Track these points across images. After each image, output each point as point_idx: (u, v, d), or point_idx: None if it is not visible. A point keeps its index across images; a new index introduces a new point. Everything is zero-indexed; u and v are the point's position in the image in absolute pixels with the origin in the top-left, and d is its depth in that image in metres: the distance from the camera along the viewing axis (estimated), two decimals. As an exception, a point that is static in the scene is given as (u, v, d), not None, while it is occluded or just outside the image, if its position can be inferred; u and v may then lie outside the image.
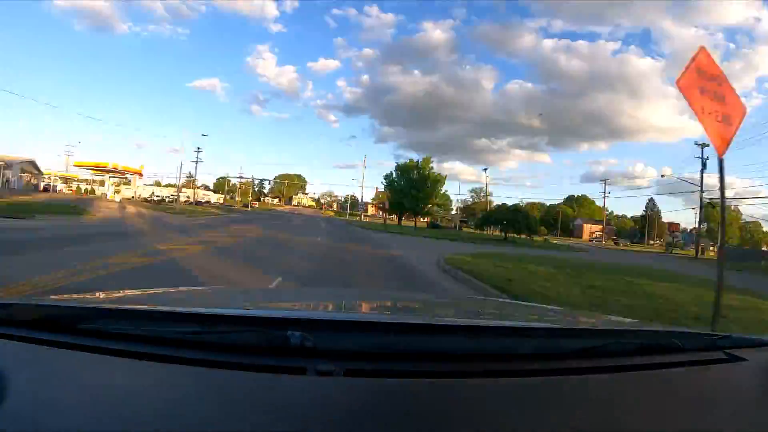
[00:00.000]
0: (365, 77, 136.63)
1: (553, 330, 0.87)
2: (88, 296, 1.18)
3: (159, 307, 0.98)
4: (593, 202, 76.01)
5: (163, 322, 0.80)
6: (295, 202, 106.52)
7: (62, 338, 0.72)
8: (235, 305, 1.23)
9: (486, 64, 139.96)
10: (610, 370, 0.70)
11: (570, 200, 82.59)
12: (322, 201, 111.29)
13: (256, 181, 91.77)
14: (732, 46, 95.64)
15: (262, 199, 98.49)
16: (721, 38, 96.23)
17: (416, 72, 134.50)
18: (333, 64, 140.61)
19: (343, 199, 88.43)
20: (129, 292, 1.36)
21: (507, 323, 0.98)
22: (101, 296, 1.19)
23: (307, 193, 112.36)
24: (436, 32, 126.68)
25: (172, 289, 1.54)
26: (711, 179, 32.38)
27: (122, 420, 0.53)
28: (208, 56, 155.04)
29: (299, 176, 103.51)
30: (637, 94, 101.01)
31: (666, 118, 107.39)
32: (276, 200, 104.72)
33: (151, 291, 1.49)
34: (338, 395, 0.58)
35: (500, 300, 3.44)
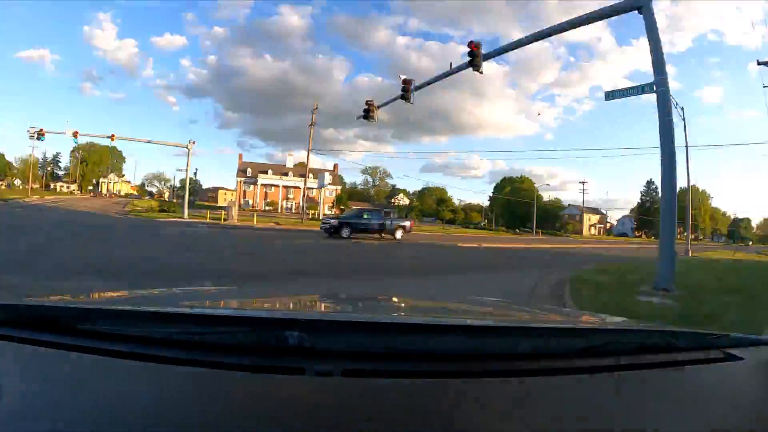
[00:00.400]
0: (212, 58, 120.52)
1: (553, 330, 0.88)
2: (88, 297, 1.19)
3: (158, 308, 0.98)
4: (444, 191, 78.11)
5: (162, 323, 0.80)
6: (106, 190, 76.10)
7: (62, 339, 0.73)
8: (234, 306, 1.23)
9: (339, 54, 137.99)
10: (610, 370, 0.70)
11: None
12: (148, 187, 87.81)
13: (47, 157, 67.03)
14: (572, 59, 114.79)
15: (54, 185, 70.31)
16: (563, 51, 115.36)
17: (268, 57, 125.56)
18: (179, 40, 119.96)
19: (177, 186, 62.58)
20: (129, 293, 1.36)
21: (507, 323, 0.99)
22: (100, 297, 1.20)
23: (123, 176, 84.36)
24: (293, 17, 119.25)
25: (171, 290, 1.54)
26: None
27: (121, 420, 0.53)
28: (40, 21, 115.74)
29: (114, 149, 72.22)
30: (480, 93, 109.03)
31: (504, 117, 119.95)
32: (75, 186, 73.17)
33: (151, 291, 1.50)
34: (337, 395, 0.59)
35: (499, 300, 3.48)
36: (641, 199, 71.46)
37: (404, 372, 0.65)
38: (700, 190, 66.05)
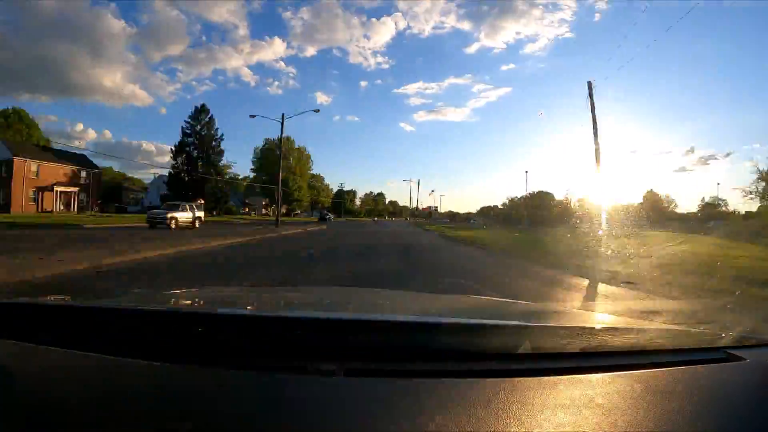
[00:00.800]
0: None
1: (553, 329, 0.88)
2: (88, 296, 1.26)
3: (159, 308, 0.98)
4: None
5: (164, 322, 0.80)
6: None
7: (62, 338, 0.73)
8: (236, 305, 1.22)
9: None
10: (610, 370, 0.70)
11: None
12: None
13: None
14: (204, 38, 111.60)
15: None
16: (197, 29, 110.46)
17: None
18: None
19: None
20: (129, 292, 1.41)
21: (507, 322, 0.99)
22: (101, 297, 1.27)
23: None
24: None
25: (172, 290, 1.55)
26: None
27: (122, 420, 0.53)
28: None
29: None
30: (99, 52, 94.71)
31: (119, 83, 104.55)
32: None
33: (151, 291, 1.52)
34: (339, 395, 0.59)
35: (501, 299, 3.47)
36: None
37: (406, 371, 0.65)
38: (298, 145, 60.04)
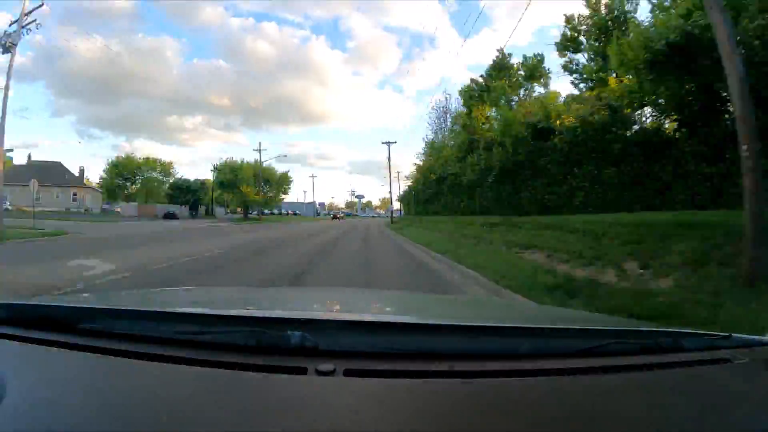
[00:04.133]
0: (38, 37, 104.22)
1: (554, 330, 0.87)
2: (88, 296, 1.26)
3: (159, 308, 0.98)
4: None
5: (163, 322, 0.80)
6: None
7: (62, 338, 0.73)
8: (236, 305, 1.23)
9: (172, 36, 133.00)
10: (610, 370, 0.70)
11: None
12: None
13: None
14: (417, 49, 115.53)
15: None
16: (406, 41, 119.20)
17: (98, 37, 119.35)
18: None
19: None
20: (129, 293, 1.37)
21: (507, 323, 0.99)
22: (101, 296, 1.27)
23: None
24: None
25: (172, 290, 1.54)
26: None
27: (122, 420, 0.53)
28: None
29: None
30: (324, 82, 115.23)
31: (353, 106, 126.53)
32: None
33: (151, 291, 1.48)
34: (338, 395, 0.59)
35: (500, 299, 3.49)
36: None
37: (406, 372, 0.64)
38: None
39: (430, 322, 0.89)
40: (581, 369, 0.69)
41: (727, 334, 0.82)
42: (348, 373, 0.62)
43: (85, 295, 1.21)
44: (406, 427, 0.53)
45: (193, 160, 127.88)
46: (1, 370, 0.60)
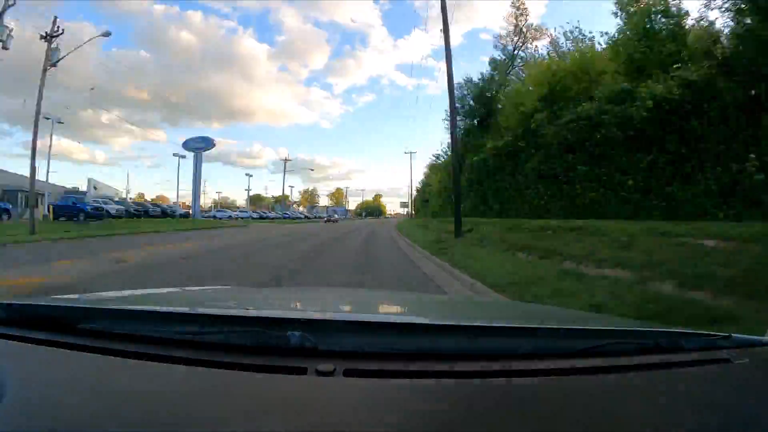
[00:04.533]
0: None
1: (553, 330, 0.88)
2: (88, 296, 1.19)
3: (159, 308, 0.98)
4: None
5: (163, 322, 0.80)
6: None
7: (62, 338, 0.73)
8: (235, 306, 1.22)
9: (87, 20, 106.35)
10: (610, 370, 0.70)
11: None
12: None
13: None
14: (347, 47, 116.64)
15: None
16: (337, 37, 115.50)
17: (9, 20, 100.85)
18: None
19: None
20: (129, 292, 1.36)
21: (507, 323, 0.99)
22: (101, 296, 1.20)
23: None
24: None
25: (172, 290, 1.54)
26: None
27: (122, 420, 0.53)
28: None
29: None
30: (249, 77, 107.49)
31: (278, 104, 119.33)
32: None
33: (152, 291, 1.50)
34: (338, 395, 0.59)
35: (500, 300, 3.50)
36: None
37: (406, 372, 0.64)
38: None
39: (430, 322, 0.90)
40: (581, 369, 0.69)
41: (727, 334, 0.82)
42: (348, 373, 0.62)
43: (86, 295, 1.21)
44: (406, 427, 0.53)
45: (111, 158, 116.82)
46: (1, 370, 0.60)
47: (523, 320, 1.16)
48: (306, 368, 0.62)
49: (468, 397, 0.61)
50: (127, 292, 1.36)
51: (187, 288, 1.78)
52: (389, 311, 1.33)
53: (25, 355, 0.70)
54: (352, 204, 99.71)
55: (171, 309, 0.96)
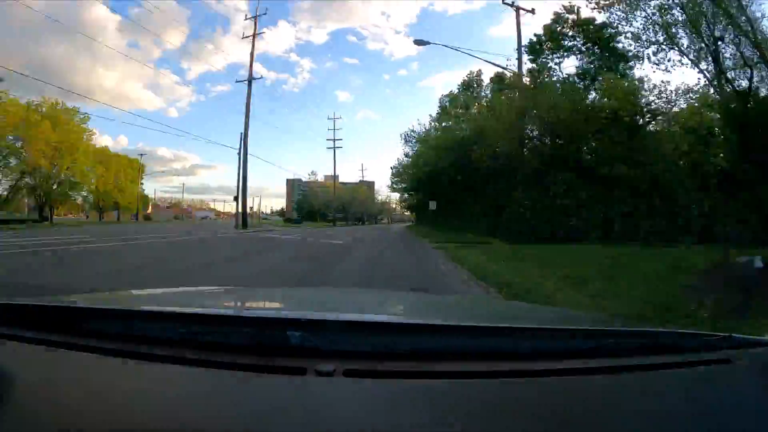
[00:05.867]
0: None
1: (553, 330, 0.88)
2: (88, 296, 1.20)
3: (159, 308, 0.98)
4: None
5: (163, 322, 0.80)
6: None
7: (62, 338, 0.73)
8: (235, 306, 1.22)
9: None
10: (610, 371, 0.70)
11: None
12: None
13: None
14: (208, 30, 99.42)
15: None
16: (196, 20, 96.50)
17: None
18: None
19: None
20: (129, 293, 1.38)
21: (507, 323, 0.99)
22: (101, 296, 1.21)
23: None
24: None
25: (172, 290, 1.53)
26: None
27: (122, 420, 0.53)
28: None
29: None
30: (95, 52, 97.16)
31: (123, 85, 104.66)
32: None
33: (152, 291, 1.49)
34: (338, 395, 0.59)
35: (500, 300, 3.53)
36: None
37: (406, 372, 0.65)
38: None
39: (430, 322, 0.89)
40: (581, 369, 0.70)
41: (727, 334, 0.82)
42: (348, 373, 0.62)
43: (86, 295, 1.21)
44: (406, 427, 0.53)
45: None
46: (1, 370, 0.60)
47: (524, 321, 1.16)
48: (306, 368, 0.62)
49: (468, 398, 0.61)
50: (127, 292, 1.36)
51: (187, 288, 1.78)
52: (389, 311, 1.33)
53: (25, 355, 0.70)
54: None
55: (171, 309, 0.96)
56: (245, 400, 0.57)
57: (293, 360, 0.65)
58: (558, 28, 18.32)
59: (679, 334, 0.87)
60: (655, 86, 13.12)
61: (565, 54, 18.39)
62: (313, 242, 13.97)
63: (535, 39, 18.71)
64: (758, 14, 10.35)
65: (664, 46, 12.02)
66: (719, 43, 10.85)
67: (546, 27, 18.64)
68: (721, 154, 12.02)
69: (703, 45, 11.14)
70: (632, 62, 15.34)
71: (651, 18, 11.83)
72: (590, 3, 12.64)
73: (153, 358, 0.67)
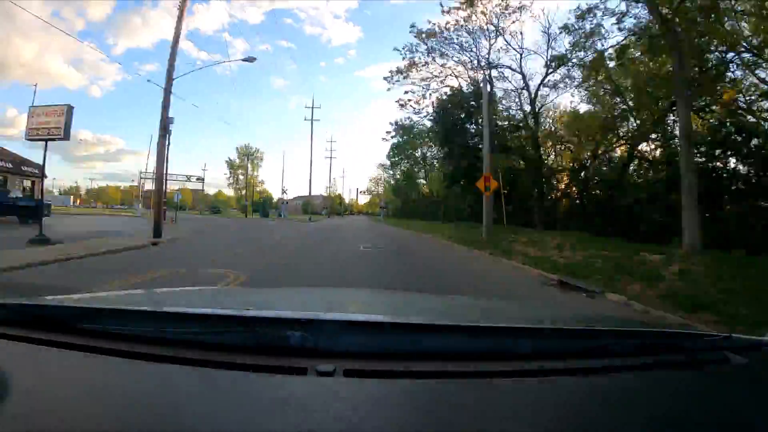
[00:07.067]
0: None
1: (553, 330, 0.88)
2: (88, 296, 1.19)
3: (158, 308, 0.98)
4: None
5: (163, 322, 0.80)
6: None
7: (62, 338, 0.73)
8: (236, 305, 1.23)
9: None
10: (610, 370, 0.70)
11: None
12: None
13: None
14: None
15: None
16: None
17: None
18: None
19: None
20: (129, 292, 1.40)
21: (507, 323, 0.99)
22: (101, 296, 1.21)
23: None
24: None
25: (172, 290, 1.53)
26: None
27: (122, 420, 0.53)
28: None
29: None
30: (13, 19, 79.19)
31: (40, 58, 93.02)
32: None
33: (152, 291, 1.51)
34: (338, 395, 0.59)
35: (501, 300, 3.53)
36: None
37: (406, 372, 0.64)
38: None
39: (431, 322, 0.89)
40: (581, 369, 0.70)
41: (726, 334, 0.82)
42: (348, 373, 0.62)
43: (86, 295, 1.21)
44: (406, 427, 0.53)
45: None
46: (1, 370, 0.60)
47: (524, 321, 1.16)
48: (306, 368, 0.62)
49: (468, 397, 0.61)
50: (126, 292, 1.36)
51: (187, 288, 1.78)
52: (390, 311, 1.32)
53: (25, 355, 0.70)
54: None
55: (171, 309, 0.96)
56: (245, 400, 0.57)
57: (293, 360, 0.65)
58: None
59: (679, 334, 0.87)
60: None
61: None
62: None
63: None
64: None
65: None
66: None
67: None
68: None
69: None
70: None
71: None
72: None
73: (153, 358, 0.66)
